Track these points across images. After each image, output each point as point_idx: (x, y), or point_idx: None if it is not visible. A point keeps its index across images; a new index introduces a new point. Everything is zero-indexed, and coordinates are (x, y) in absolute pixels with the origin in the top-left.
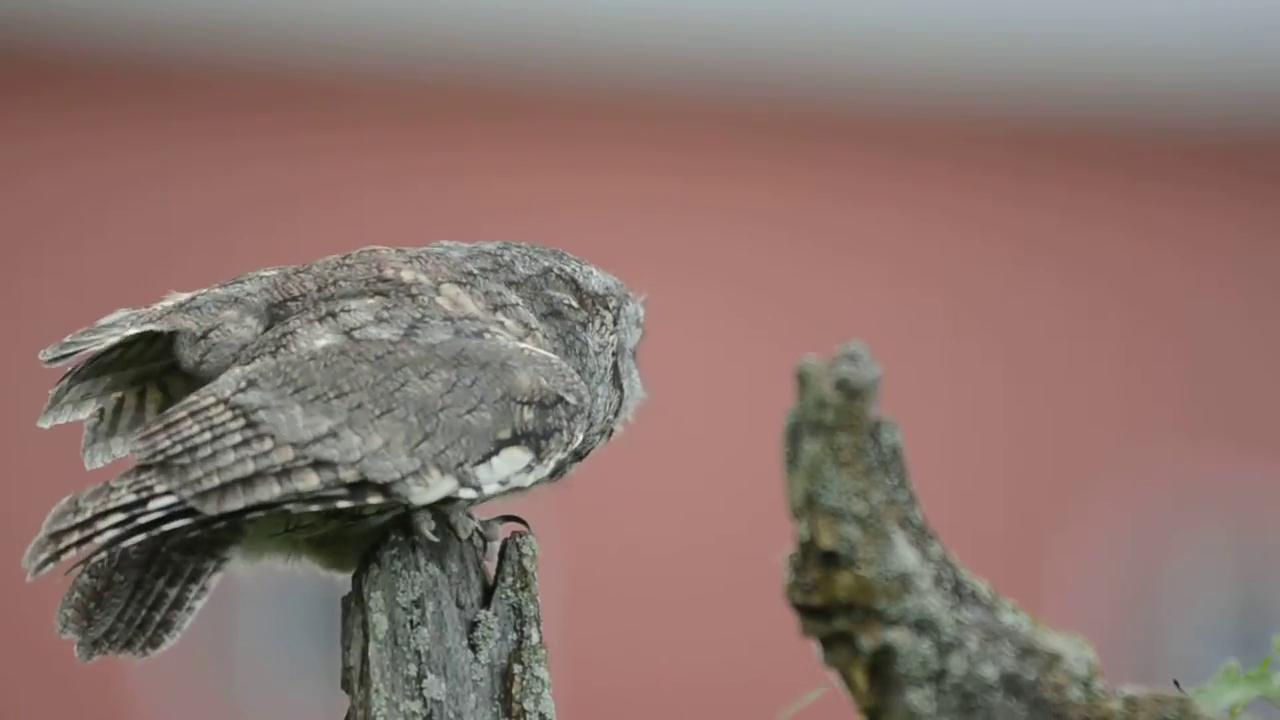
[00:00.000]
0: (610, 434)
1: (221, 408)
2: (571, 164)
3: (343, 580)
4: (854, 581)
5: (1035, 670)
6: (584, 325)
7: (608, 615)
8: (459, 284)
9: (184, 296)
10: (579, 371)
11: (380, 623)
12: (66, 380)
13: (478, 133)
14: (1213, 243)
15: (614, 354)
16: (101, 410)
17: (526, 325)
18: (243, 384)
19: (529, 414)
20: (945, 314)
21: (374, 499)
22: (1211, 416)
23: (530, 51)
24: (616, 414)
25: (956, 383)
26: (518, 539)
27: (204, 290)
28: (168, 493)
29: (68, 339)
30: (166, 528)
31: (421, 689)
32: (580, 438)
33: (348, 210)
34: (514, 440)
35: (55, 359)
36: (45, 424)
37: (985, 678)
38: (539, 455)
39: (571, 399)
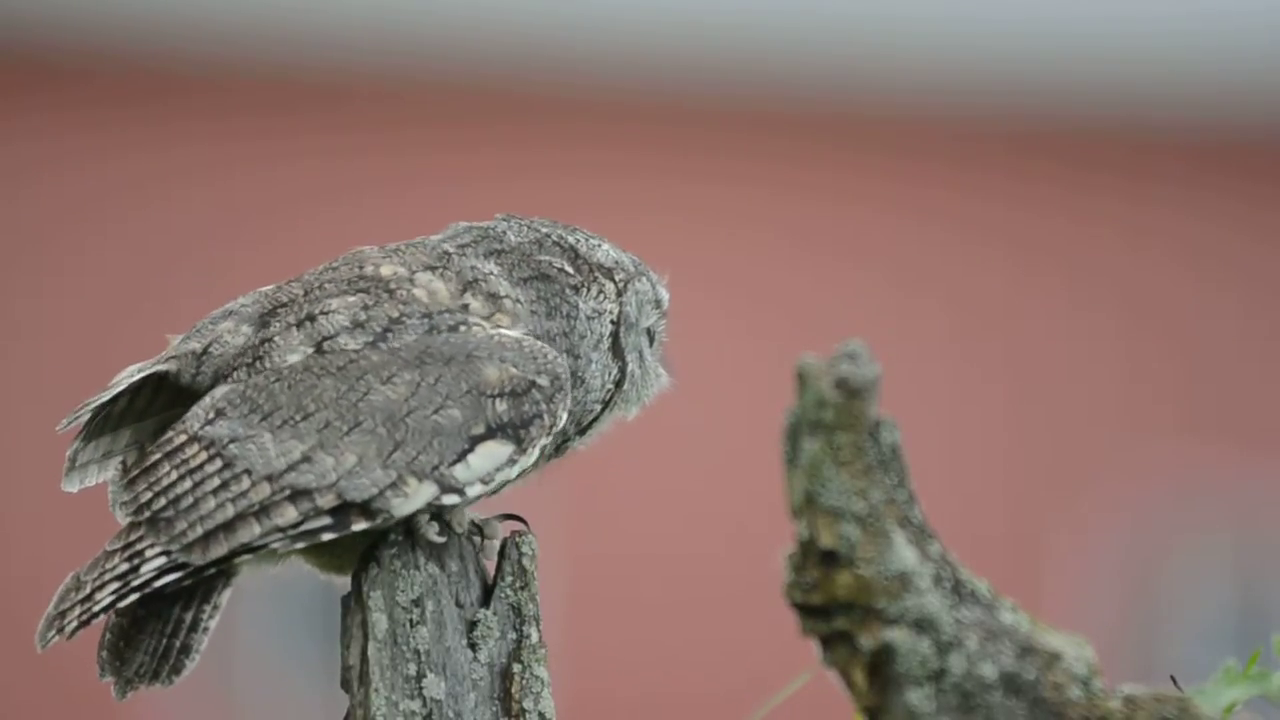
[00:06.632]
0: (610, 405)
1: (195, 446)
2: (569, 167)
3: (342, 580)
4: (853, 580)
5: (1035, 669)
6: (576, 289)
7: (608, 614)
8: (432, 269)
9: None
10: (564, 334)
11: (380, 622)
12: (79, 439)
13: (479, 135)
14: (1211, 243)
15: (613, 323)
16: (124, 463)
17: (494, 296)
18: (211, 414)
19: (501, 405)
20: (944, 314)
21: (358, 524)
22: (1211, 416)
23: (530, 54)
24: (618, 385)
25: (956, 382)
26: (517, 538)
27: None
28: (158, 554)
29: (80, 404)
30: (158, 584)
31: (421, 688)
32: (564, 417)
33: (350, 213)
34: (489, 434)
35: (70, 424)
36: (71, 488)
37: (984, 677)
38: (520, 445)
39: (544, 380)
